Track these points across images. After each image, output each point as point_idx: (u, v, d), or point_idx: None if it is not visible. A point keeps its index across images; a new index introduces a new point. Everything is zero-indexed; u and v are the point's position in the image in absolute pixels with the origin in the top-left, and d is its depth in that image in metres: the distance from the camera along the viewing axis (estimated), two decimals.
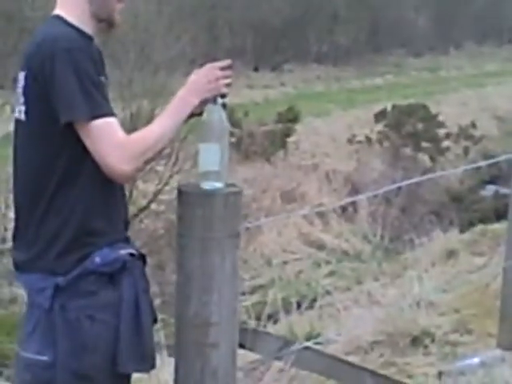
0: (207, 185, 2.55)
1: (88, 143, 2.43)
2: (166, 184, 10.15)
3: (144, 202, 10.05)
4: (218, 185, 2.55)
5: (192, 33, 13.81)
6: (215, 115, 2.57)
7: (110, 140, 2.43)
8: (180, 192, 2.55)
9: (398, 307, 5.28)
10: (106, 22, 2.63)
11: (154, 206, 10.42)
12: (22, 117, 2.52)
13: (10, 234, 8.49)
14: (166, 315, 4.07)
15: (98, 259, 2.50)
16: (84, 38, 2.53)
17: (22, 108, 2.51)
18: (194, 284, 2.48)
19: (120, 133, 2.46)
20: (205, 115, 2.58)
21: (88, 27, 2.57)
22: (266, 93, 22.38)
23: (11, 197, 7.89)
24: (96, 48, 2.59)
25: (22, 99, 2.51)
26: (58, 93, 2.40)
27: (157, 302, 5.91)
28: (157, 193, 10.21)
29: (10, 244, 8.10)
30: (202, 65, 2.64)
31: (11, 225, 8.38)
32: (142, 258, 2.67)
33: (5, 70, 20.50)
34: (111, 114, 2.46)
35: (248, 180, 12.13)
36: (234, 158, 11.89)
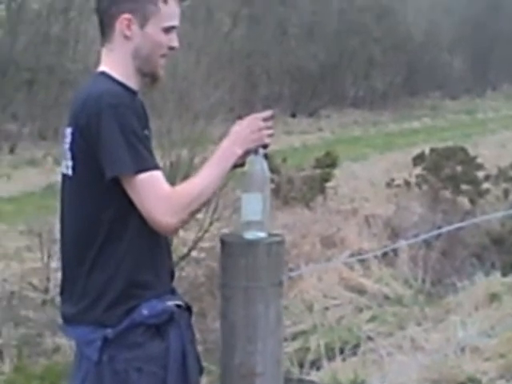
0: (250, 234, 2.57)
1: (134, 197, 2.48)
2: (206, 231, 10.18)
3: (184, 250, 10.07)
4: (261, 234, 2.57)
5: (230, 81, 13.94)
6: (257, 166, 2.60)
7: (156, 193, 2.46)
8: (223, 242, 2.58)
9: (442, 353, 5.24)
10: (149, 77, 2.68)
11: (194, 253, 10.45)
12: (69, 172, 2.57)
13: (52, 285, 8.56)
14: (209, 363, 4.08)
15: (145, 311, 2.53)
16: (128, 93, 2.58)
17: (69, 163, 2.57)
18: (239, 334, 2.49)
19: (165, 186, 2.49)
20: (247, 166, 2.61)
21: (132, 82, 2.63)
22: (303, 138, 22.44)
23: (53, 247, 7.95)
24: (140, 102, 2.65)
25: (68, 154, 2.57)
26: (103, 149, 2.45)
27: (199, 349, 5.88)
28: (197, 240, 10.23)
29: (52, 294, 8.16)
30: (240, 115, 2.68)
31: (53, 275, 8.49)
32: (188, 308, 2.68)
33: (47, 122, 20.86)
34: (156, 168, 2.51)
35: (287, 226, 12.12)
36: (274, 203, 11.92)
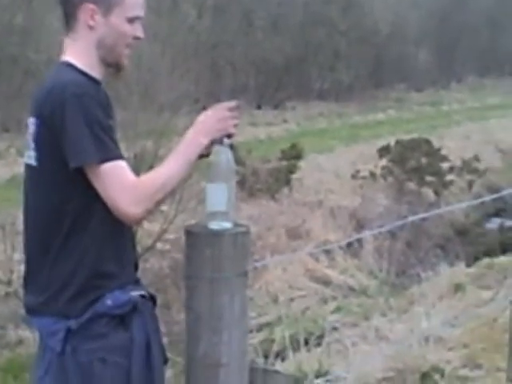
0: (215, 225, 2.56)
1: (98, 187, 2.46)
2: (171, 223, 10.15)
3: (149, 242, 10.04)
4: (226, 225, 2.56)
5: (195, 72, 13.90)
6: (222, 156, 2.59)
7: (121, 183, 2.45)
8: (188, 233, 2.56)
9: (406, 343, 5.27)
10: (114, 67, 2.67)
11: (159, 245, 10.42)
12: (33, 162, 2.55)
13: (15, 277, 8.49)
14: (174, 355, 4.07)
15: (109, 302, 2.52)
16: (93, 83, 2.57)
17: (33, 154, 2.55)
18: (204, 325, 2.48)
19: (130, 175, 2.49)
20: (212, 156, 2.61)
21: (96, 72, 2.61)
22: (269, 130, 22.45)
23: (17, 239, 7.89)
24: (104, 92, 2.63)
25: (32, 145, 2.55)
26: (68, 139, 2.44)
27: (164, 341, 5.86)
28: (162, 232, 10.20)
29: (15, 286, 8.09)
30: (205, 106, 2.67)
31: (17, 267, 8.42)
32: (152, 298, 2.68)
33: (9, 114, 20.64)
34: (121, 158, 2.50)
35: (253, 217, 12.12)
36: (239, 195, 11.91)
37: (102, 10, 2.57)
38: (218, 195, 2.57)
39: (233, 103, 2.64)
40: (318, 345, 6.84)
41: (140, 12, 2.64)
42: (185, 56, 15.48)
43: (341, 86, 30.40)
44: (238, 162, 12.27)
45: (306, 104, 28.28)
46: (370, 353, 5.75)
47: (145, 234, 10.01)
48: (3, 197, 11.25)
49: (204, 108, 2.72)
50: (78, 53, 2.60)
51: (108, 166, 2.45)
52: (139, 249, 9.48)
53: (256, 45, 26.52)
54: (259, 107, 26.59)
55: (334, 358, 6.12)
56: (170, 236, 10.47)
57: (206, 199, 2.58)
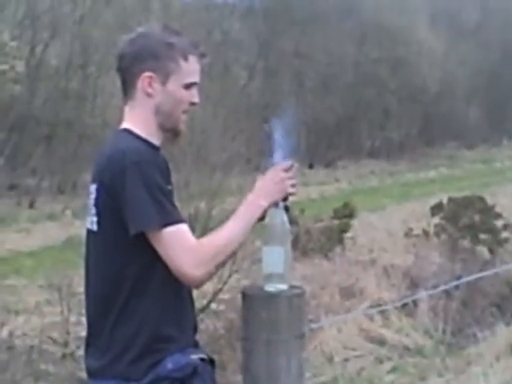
0: (271, 287, 2.59)
1: (160, 250, 2.51)
2: (226, 283, 10.17)
3: (204, 302, 10.06)
4: (282, 287, 2.58)
5: (247, 133, 14.04)
6: (278, 219, 2.63)
7: (183, 246, 2.49)
8: (244, 295, 2.59)
9: None
10: (171, 132, 2.72)
11: (213, 305, 10.43)
12: (94, 227, 2.61)
13: (71, 338, 8.56)
14: None
15: (169, 365, 2.54)
16: (151, 149, 2.62)
17: (94, 219, 2.60)
18: None
19: (191, 238, 2.53)
20: (267, 219, 2.64)
21: (155, 138, 2.67)
22: (321, 189, 22.48)
23: (73, 301, 7.96)
24: (163, 158, 2.68)
25: (93, 210, 2.61)
26: (128, 205, 2.50)
27: None
28: (216, 292, 10.22)
29: (71, 348, 8.14)
30: (258, 165, 2.73)
31: (73, 329, 8.48)
32: (211, 361, 2.69)
33: (65, 176, 21.03)
34: (182, 221, 2.54)
35: (306, 277, 12.09)
36: (292, 255, 11.91)
37: (159, 77, 2.64)
38: (274, 258, 2.60)
39: (288, 163, 2.68)
40: None
41: (196, 78, 2.71)
42: (236, 117, 15.68)
43: (391, 144, 30.43)
44: (291, 221, 12.30)
45: (357, 163, 28.32)
46: None
47: (199, 294, 10.04)
48: (59, 258, 11.42)
49: (257, 168, 2.78)
50: (137, 119, 2.66)
51: (169, 230, 2.49)
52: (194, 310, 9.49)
53: (307, 105, 26.71)
54: (311, 166, 26.68)
55: None
56: (225, 296, 10.49)
57: (262, 261, 2.61)
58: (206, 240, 2.57)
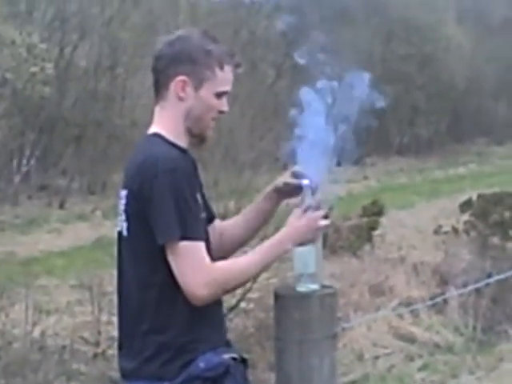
0: (303, 287, 2.60)
1: (172, 261, 2.53)
2: (255, 282, 10.20)
3: (233, 301, 10.09)
4: (314, 287, 2.60)
5: (275, 131, 14.06)
6: None
7: (194, 262, 2.51)
8: (276, 296, 2.62)
9: None
10: (198, 138, 2.73)
11: (243, 304, 10.45)
12: (125, 232, 2.63)
13: (103, 338, 8.62)
14: None
15: (202, 364, 2.56)
16: (181, 153, 2.64)
17: (124, 224, 2.63)
18: None
19: (206, 258, 2.53)
20: None
21: (182, 141, 2.69)
22: (349, 187, 22.42)
23: (104, 300, 8.02)
24: (191, 159, 2.71)
25: (123, 216, 2.63)
26: (154, 214, 2.52)
27: None
28: (246, 291, 10.24)
29: (103, 347, 8.20)
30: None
31: (104, 328, 8.54)
32: (244, 361, 2.70)
33: (95, 177, 21.15)
34: (201, 239, 2.55)
35: (335, 275, 12.09)
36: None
37: (193, 83, 2.65)
38: (305, 258, 2.63)
39: (325, 211, 2.71)
40: None
41: (228, 87, 2.72)
42: (264, 116, 15.70)
43: (420, 140, 30.31)
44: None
45: (386, 160, 28.24)
46: None
47: (229, 293, 10.08)
48: (90, 258, 11.50)
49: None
50: (166, 122, 2.68)
51: (186, 244, 2.50)
52: (224, 309, 9.50)
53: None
54: (339, 164, 26.62)
55: None
56: (254, 295, 10.51)
57: (293, 262, 2.63)
58: (221, 264, 2.58)
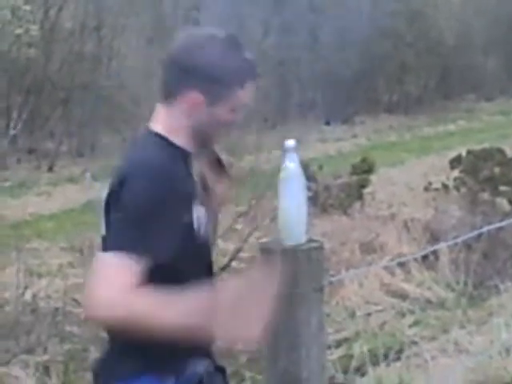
0: (289, 241, 2.58)
1: (95, 266, 2.21)
2: (246, 241, 10.21)
3: (225, 261, 10.11)
4: (300, 241, 2.58)
5: (263, 90, 14.01)
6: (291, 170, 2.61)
7: (111, 277, 2.14)
8: (262, 250, 2.59)
9: (486, 355, 5.21)
10: (201, 147, 2.52)
11: (234, 263, 10.48)
12: (103, 231, 2.41)
13: None
14: (253, 372, 4.09)
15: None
16: (175, 156, 2.40)
17: (104, 227, 2.40)
18: (282, 341, 2.50)
19: (130, 279, 2.14)
20: (282, 173, 2.63)
21: (182, 142, 2.46)
22: (338, 145, 22.41)
23: None
24: (188, 160, 2.46)
25: (103, 216, 2.41)
26: (114, 218, 2.30)
27: (243, 358, 5.91)
28: (237, 250, 10.26)
29: None
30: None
31: None
32: (222, 370, 2.53)
33: (83, 139, 21.09)
34: (142, 254, 2.18)
35: (326, 233, 12.09)
36: (311, 211, 11.91)
37: (207, 99, 2.39)
38: (291, 212, 2.59)
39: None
40: (397, 359, 6.79)
41: (248, 101, 2.49)
42: None
43: (409, 98, 30.22)
44: (309, 178, 12.29)
45: (375, 118, 28.17)
46: (450, 366, 5.70)
47: (220, 253, 10.09)
48: (80, 220, 11.49)
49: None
50: (172, 128, 2.42)
51: (117, 255, 2.17)
52: (215, 268, 9.50)
53: (322, 59, 26.55)
54: (328, 123, 26.58)
55: (414, 372, 6.07)
56: (245, 254, 10.53)
57: (278, 217, 2.60)
58: (144, 298, 2.14)
